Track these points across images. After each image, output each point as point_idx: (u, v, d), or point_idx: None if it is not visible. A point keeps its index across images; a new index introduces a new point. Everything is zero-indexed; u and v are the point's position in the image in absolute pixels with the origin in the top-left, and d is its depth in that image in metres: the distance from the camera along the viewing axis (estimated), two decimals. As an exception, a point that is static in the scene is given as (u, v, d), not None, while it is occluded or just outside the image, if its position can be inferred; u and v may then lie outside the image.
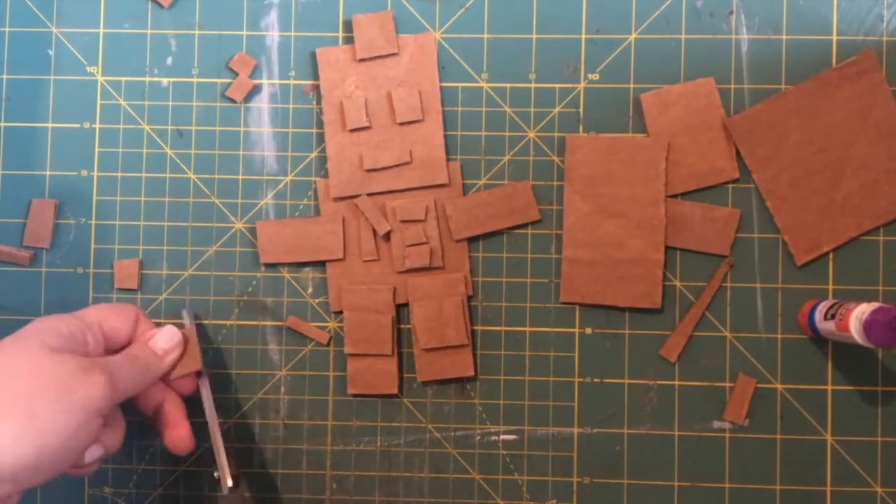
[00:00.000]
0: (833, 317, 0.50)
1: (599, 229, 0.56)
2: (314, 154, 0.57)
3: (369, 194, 0.57)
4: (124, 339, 0.51)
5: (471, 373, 0.56)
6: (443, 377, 0.56)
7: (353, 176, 0.57)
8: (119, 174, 0.58)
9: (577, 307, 0.56)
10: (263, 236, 0.57)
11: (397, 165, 0.56)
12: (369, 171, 0.56)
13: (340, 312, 0.57)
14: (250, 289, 0.57)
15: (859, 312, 0.48)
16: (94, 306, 0.52)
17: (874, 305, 0.48)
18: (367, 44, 0.57)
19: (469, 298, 0.56)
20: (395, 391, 0.56)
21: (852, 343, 0.49)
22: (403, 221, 0.56)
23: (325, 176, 0.57)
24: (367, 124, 0.56)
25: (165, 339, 0.52)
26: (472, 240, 0.57)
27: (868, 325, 0.47)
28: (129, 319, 0.52)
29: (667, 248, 0.56)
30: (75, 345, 0.47)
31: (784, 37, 0.56)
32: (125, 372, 0.48)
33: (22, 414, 0.42)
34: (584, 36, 0.57)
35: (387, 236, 0.56)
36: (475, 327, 0.56)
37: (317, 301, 0.57)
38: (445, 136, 0.57)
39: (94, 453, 0.48)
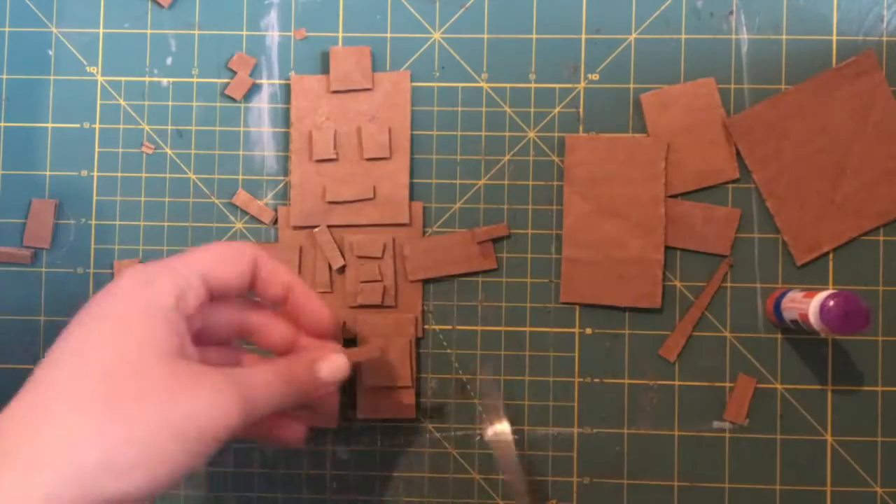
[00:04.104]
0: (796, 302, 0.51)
1: (599, 229, 0.56)
2: (314, 154, 0.57)
3: (329, 226, 0.56)
4: (231, 293, 0.42)
5: (413, 415, 0.55)
6: (384, 416, 0.55)
7: (314, 206, 0.56)
8: (119, 174, 0.58)
9: (577, 307, 0.56)
10: None
11: (360, 200, 0.56)
12: (331, 203, 0.56)
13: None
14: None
15: (819, 297, 0.48)
16: (200, 250, 0.40)
17: (832, 292, 0.48)
18: (341, 76, 0.56)
19: (418, 340, 0.56)
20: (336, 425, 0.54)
21: (810, 330, 0.49)
22: (360, 257, 0.56)
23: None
24: (333, 156, 0.56)
25: (332, 370, 0.43)
26: (427, 281, 0.56)
27: (824, 310, 0.48)
28: (241, 268, 0.41)
29: (667, 248, 0.56)
30: (178, 321, 0.37)
31: (784, 37, 0.56)
32: (265, 394, 0.38)
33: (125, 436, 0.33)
34: (584, 36, 0.57)
35: (342, 269, 0.56)
36: (476, 327, 0.56)
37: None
38: (446, 137, 0.57)
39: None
